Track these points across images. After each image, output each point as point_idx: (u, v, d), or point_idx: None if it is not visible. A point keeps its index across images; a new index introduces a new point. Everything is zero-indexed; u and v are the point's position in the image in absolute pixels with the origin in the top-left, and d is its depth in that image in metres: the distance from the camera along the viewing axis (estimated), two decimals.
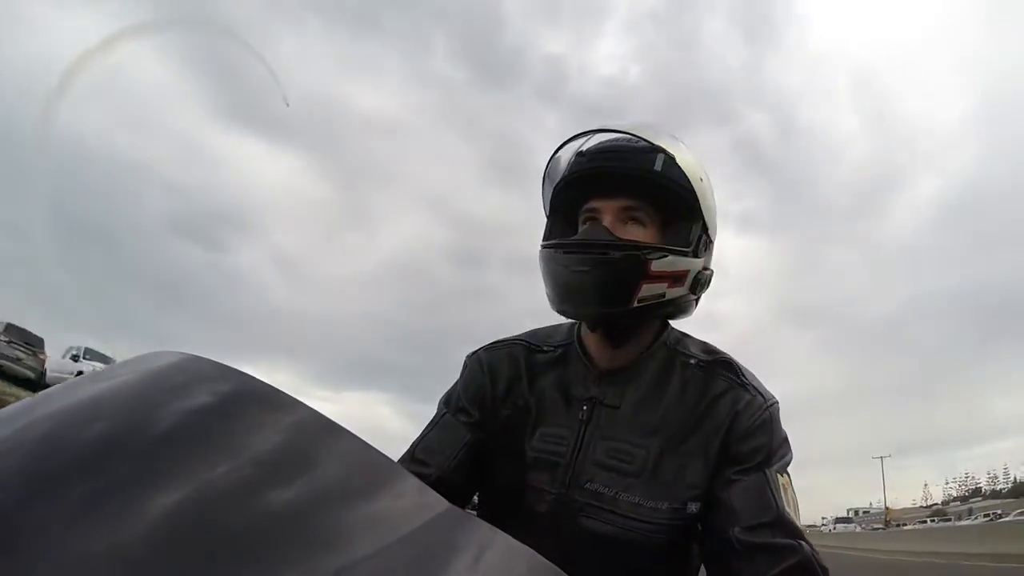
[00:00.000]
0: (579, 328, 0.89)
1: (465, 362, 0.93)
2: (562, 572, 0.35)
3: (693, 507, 0.76)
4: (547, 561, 0.35)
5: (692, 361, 0.84)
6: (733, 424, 0.77)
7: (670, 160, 0.75)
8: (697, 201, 0.77)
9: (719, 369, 0.82)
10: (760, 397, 0.80)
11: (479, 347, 0.95)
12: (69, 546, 0.25)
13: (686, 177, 0.75)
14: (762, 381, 0.84)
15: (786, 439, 0.80)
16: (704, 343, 0.88)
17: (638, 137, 0.77)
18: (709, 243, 0.82)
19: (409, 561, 0.31)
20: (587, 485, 0.78)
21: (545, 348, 0.90)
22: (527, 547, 0.35)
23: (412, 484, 0.34)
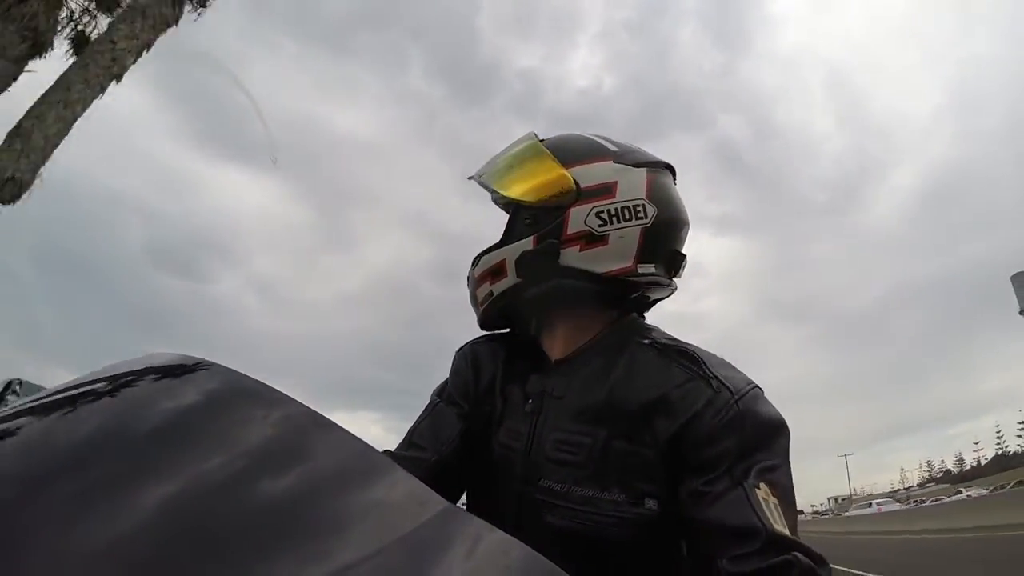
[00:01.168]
0: None
1: (454, 356, 0.94)
2: (559, 569, 0.35)
3: (651, 503, 0.70)
4: (543, 557, 0.35)
5: (646, 342, 0.78)
6: (692, 423, 0.69)
7: (493, 190, 0.84)
8: (508, 200, 0.83)
9: (678, 356, 0.75)
10: (725, 391, 0.70)
11: (468, 340, 0.95)
12: (62, 545, 0.25)
13: (495, 191, 0.84)
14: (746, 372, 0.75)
15: (768, 424, 0.69)
16: (670, 335, 0.81)
17: (481, 185, 0.86)
18: (553, 209, 0.78)
19: (405, 557, 0.30)
20: (541, 482, 0.74)
21: (520, 340, 0.90)
22: (523, 544, 0.35)
23: (407, 480, 0.34)
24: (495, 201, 0.89)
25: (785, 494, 0.66)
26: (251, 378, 0.34)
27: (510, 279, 0.80)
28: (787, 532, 0.63)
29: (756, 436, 0.68)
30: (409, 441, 0.86)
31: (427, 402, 0.92)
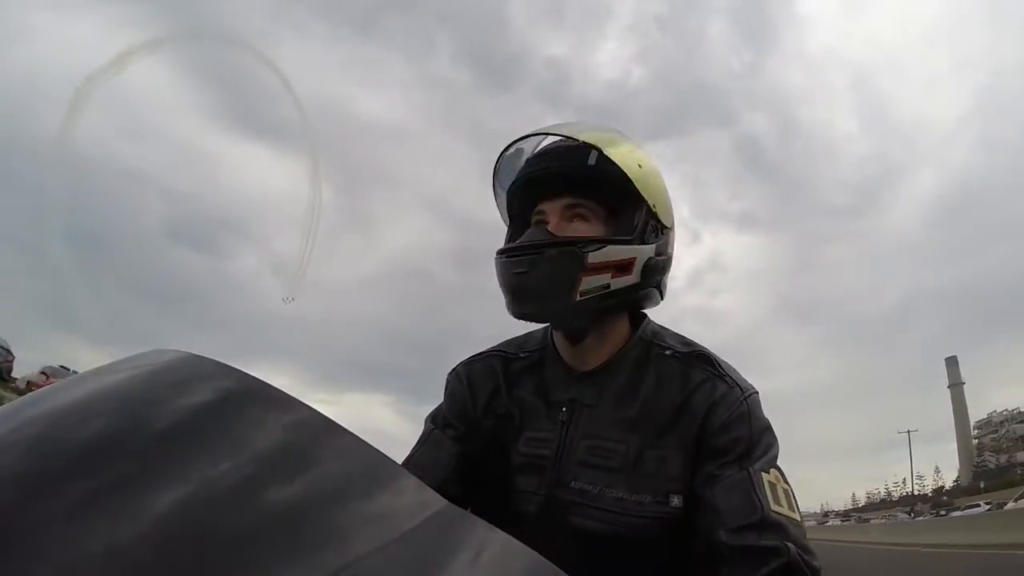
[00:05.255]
0: (551, 332, 0.90)
1: (447, 379, 0.96)
2: (559, 570, 0.35)
3: (676, 500, 0.76)
4: (544, 559, 0.35)
5: (668, 352, 0.84)
6: (709, 415, 0.77)
7: (602, 155, 0.77)
8: (636, 188, 0.78)
9: (696, 361, 0.83)
10: (737, 389, 0.80)
11: (458, 363, 0.97)
12: (67, 545, 0.25)
13: (619, 167, 0.77)
14: (759, 375, 0.88)
15: (768, 428, 0.79)
16: (681, 336, 0.88)
17: (566, 136, 0.79)
18: (662, 229, 0.83)
19: (408, 559, 0.31)
20: (572, 484, 0.79)
21: (521, 355, 0.92)
22: (525, 545, 0.35)
23: (411, 482, 0.35)
24: (582, 169, 0.78)
25: (789, 489, 0.75)
26: (258, 379, 0.35)
27: (632, 279, 0.79)
28: (791, 515, 0.71)
29: (758, 434, 0.78)
30: None
31: (425, 418, 0.94)
